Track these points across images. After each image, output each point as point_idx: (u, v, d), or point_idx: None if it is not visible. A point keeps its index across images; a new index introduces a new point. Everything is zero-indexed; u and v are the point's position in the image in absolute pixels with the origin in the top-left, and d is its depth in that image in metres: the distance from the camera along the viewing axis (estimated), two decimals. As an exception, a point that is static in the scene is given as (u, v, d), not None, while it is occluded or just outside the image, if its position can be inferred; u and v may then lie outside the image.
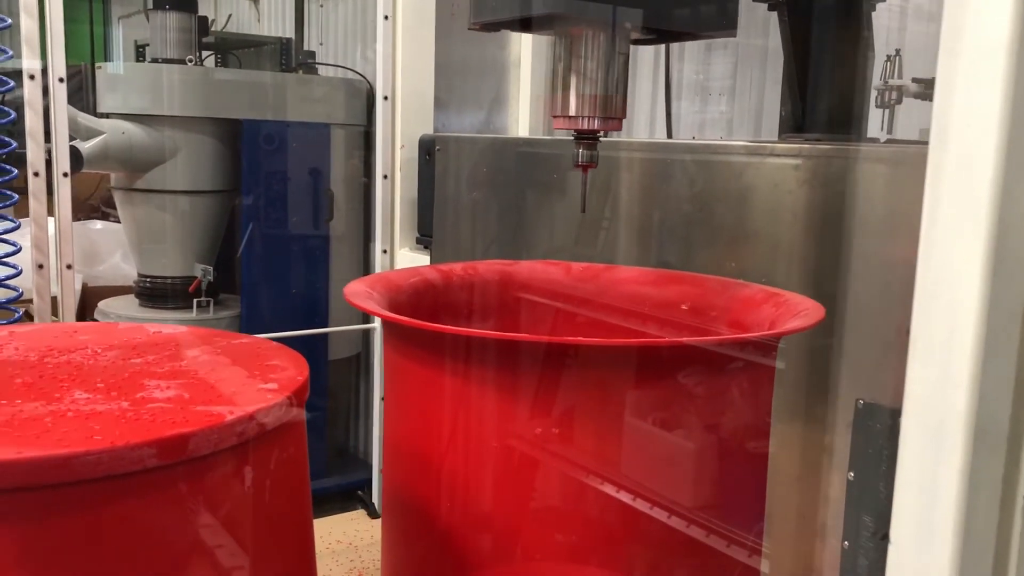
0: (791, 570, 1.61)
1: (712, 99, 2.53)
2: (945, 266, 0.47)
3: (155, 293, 3.81)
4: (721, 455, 1.25)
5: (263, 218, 3.72)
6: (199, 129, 3.67)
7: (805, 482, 1.58)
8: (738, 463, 1.30)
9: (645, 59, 2.72)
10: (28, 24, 2.01)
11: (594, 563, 1.09)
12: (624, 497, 1.12)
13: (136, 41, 4.92)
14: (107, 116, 3.64)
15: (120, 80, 3.67)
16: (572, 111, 1.29)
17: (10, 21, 1.98)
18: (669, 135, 2.58)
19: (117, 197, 3.75)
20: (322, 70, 4.08)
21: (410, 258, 2.54)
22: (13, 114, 2.01)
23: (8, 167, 2.02)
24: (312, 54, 4.18)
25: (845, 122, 1.66)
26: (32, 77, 2.03)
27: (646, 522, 1.10)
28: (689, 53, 2.57)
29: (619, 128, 1.46)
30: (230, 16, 5.17)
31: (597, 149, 1.38)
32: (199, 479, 0.70)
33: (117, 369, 0.85)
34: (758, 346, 1.19)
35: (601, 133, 1.35)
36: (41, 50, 2.04)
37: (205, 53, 4.10)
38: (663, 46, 2.60)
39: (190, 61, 3.75)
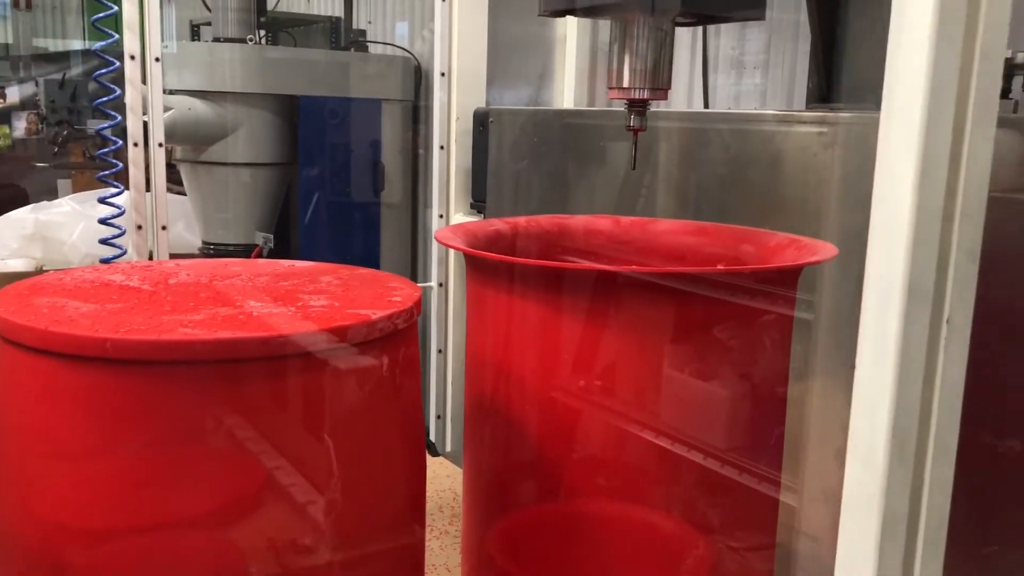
0: (810, 492, 1.81)
1: (747, 72, 2.71)
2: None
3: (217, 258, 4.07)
4: (751, 392, 1.45)
5: (319, 189, 3.95)
6: (259, 105, 3.89)
7: (821, 413, 1.79)
8: (763, 398, 1.49)
9: (683, 36, 2.90)
10: (129, 9, 2.25)
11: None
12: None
13: (191, 20, 5.15)
14: (173, 93, 3.88)
15: (186, 59, 3.91)
16: (625, 83, 1.56)
17: (116, 8, 2.21)
18: (706, 106, 2.77)
19: (183, 169, 3.99)
20: (371, 48, 4.29)
21: (465, 221, 2.76)
22: (118, 91, 2.25)
23: (114, 138, 2.27)
24: (363, 32, 4.39)
25: (866, 93, 1.84)
26: (132, 57, 2.26)
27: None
28: (725, 29, 2.74)
29: (665, 98, 1.70)
30: (281, -6, 5.38)
31: (646, 116, 1.65)
32: (353, 361, 0.93)
33: (273, 288, 1.07)
34: (781, 283, 1.39)
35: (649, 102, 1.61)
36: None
37: (259, 32, 4.32)
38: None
39: (250, 40, 3.97)
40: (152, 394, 0.87)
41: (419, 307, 1.05)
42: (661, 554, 1.43)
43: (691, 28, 2.83)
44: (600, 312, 1.22)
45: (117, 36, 2.23)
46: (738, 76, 2.82)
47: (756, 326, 1.33)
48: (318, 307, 0.98)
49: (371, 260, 4.15)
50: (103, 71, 2.25)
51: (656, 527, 1.42)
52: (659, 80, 1.58)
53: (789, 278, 1.36)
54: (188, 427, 0.87)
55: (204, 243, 4.09)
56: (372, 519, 1.00)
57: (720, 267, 1.48)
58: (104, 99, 2.26)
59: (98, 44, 2.26)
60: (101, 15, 2.24)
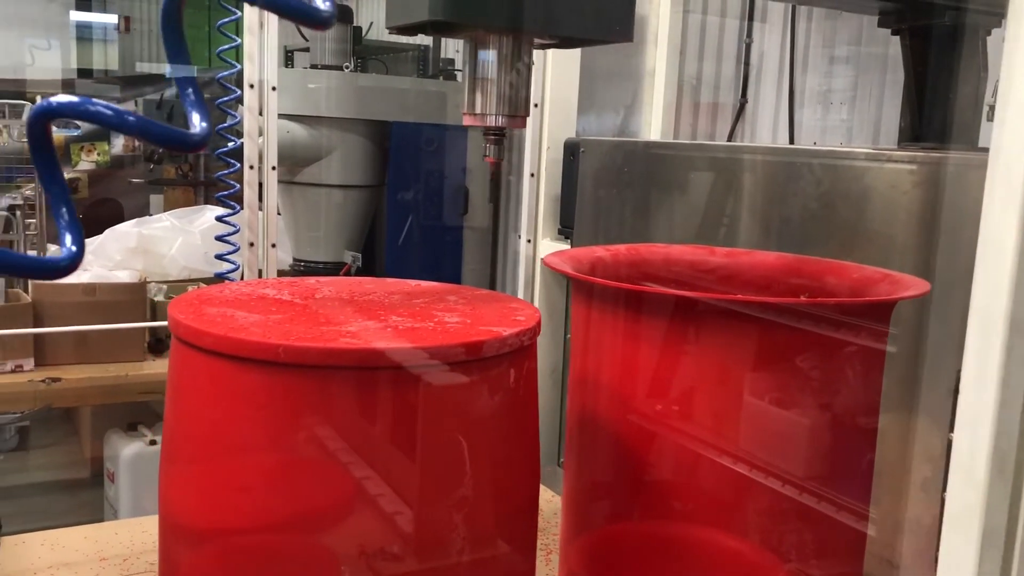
0: (896, 521, 1.85)
1: (833, 108, 2.77)
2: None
3: (309, 276, 4.25)
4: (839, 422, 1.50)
5: (406, 211, 4.11)
6: (352, 129, 4.06)
7: (909, 446, 1.83)
8: (851, 431, 1.54)
9: (770, 68, 2.97)
10: (249, 41, 2.41)
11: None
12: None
13: (285, 47, 5.39)
14: (271, 116, 4.08)
15: (282, 84, 4.12)
16: (478, 108, 1.39)
17: (239, 41, 2.38)
18: (791, 141, 2.83)
19: (278, 190, 4.19)
20: (459, 76, 4.45)
21: (551, 247, 2.86)
22: (239, 116, 2.42)
23: (232, 160, 2.43)
24: (451, 61, 4.55)
25: (959, 133, 1.89)
26: (252, 86, 2.43)
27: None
28: (812, 65, 2.81)
29: (523, 126, 1.51)
30: (371, 24, 5.60)
31: (504, 145, 1.47)
32: (486, 373, 1.04)
33: (407, 305, 1.19)
34: (874, 317, 1.45)
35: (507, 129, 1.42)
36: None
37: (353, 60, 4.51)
38: (788, 58, 2.85)
39: (347, 68, 4.16)
40: (314, 396, 0.98)
41: (540, 326, 1.15)
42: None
43: (778, 63, 2.91)
44: (711, 339, 1.31)
45: (239, 66, 2.39)
46: (824, 111, 2.87)
47: (854, 358, 1.39)
48: (453, 323, 1.09)
49: (453, 281, 4.28)
50: (225, 99, 2.42)
51: (739, 553, 1.48)
52: (518, 106, 1.40)
53: (883, 312, 1.42)
54: (345, 427, 0.98)
55: (295, 260, 4.27)
56: (497, 523, 1.10)
57: (849, 298, 1.53)
58: (226, 124, 2.42)
59: (220, 73, 2.43)
60: (226, 47, 2.42)
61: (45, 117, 0.55)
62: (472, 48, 1.37)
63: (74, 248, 0.56)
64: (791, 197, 2.20)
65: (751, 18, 3.03)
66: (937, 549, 0.96)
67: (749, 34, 3.00)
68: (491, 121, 1.39)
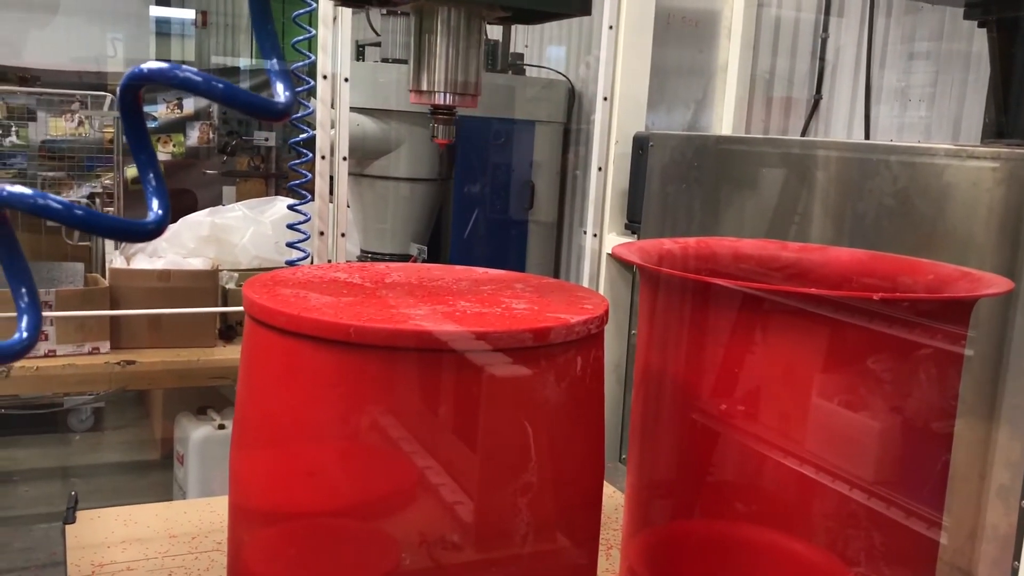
0: (970, 528, 1.80)
1: (911, 105, 2.69)
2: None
3: (378, 264, 4.30)
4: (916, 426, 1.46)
5: (472, 204, 4.12)
6: (420, 123, 4.09)
7: (986, 452, 1.77)
8: (924, 436, 1.50)
9: (846, 64, 2.91)
10: (323, 33, 2.45)
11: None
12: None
13: (357, 41, 5.45)
14: (341, 109, 4.14)
15: (353, 78, 4.17)
16: (424, 86, 1.28)
17: (313, 32, 2.42)
18: (867, 137, 2.76)
19: (347, 181, 4.24)
20: (528, 71, 4.45)
21: (617, 242, 2.84)
22: (312, 107, 2.45)
23: (305, 151, 2.47)
24: (520, 56, 4.55)
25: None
26: (325, 77, 2.46)
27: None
28: (891, 61, 2.74)
29: (474, 105, 1.39)
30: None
31: (454, 124, 1.36)
32: (552, 359, 1.04)
33: (475, 291, 1.19)
34: (951, 317, 1.40)
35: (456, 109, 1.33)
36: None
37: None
38: (866, 53, 2.78)
39: (417, 62, 4.17)
40: (382, 377, 1.00)
41: (607, 315, 1.14)
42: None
43: (855, 59, 2.84)
44: (780, 337, 1.29)
45: (313, 57, 2.43)
46: (902, 108, 2.80)
47: (929, 360, 1.35)
48: (520, 309, 1.09)
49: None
50: (298, 89, 2.46)
51: (804, 557, 1.45)
52: (468, 84, 1.30)
53: (962, 311, 1.38)
54: (411, 410, 0.99)
55: (362, 251, 4.32)
56: (560, 512, 1.10)
57: (926, 295, 1.49)
58: (299, 115, 2.46)
59: (295, 64, 2.47)
60: (299, 38, 2.45)
61: (137, 83, 0.57)
62: (418, 20, 1.28)
63: (160, 212, 0.57)
64: (866, 194, 2.15)
65: (827, 12, 2.96)
66: (1015, 558, 0.93)
67: (825, 28, 2.94)
68: (438, 99, 1.30)
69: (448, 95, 1.29)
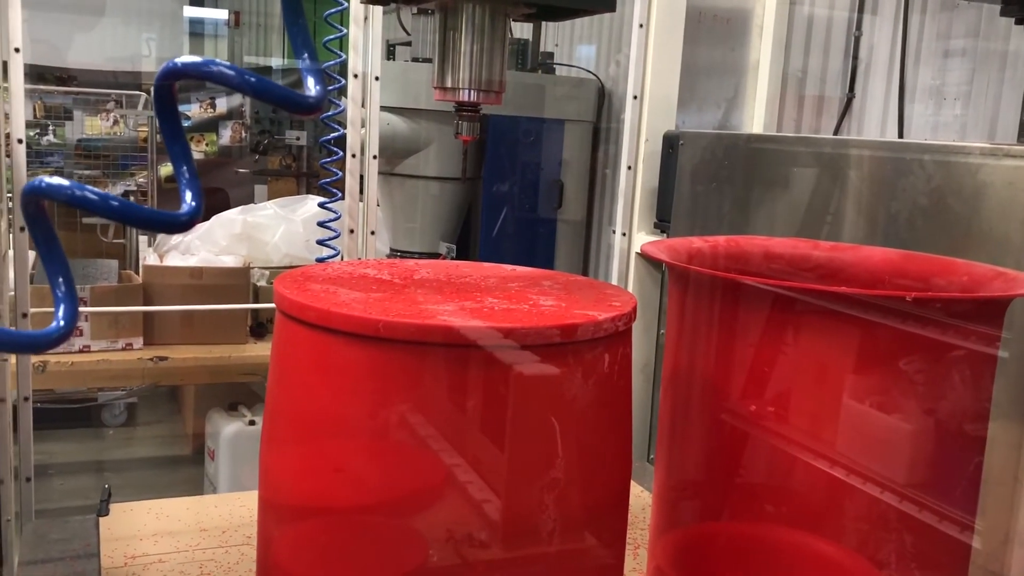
0: (1005, 532, 1.77)
1: (946, 103, 2.66)
2: None
3: (408, 261, 4.32)
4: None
5: (501, 203, 4.13)
6: (450, 122, 4.08)
7: (1021, 455, 1.74)
8: (957, 439, 1.47)
9: (880, 62, 2.87)
10: (355, 32, 2.46)
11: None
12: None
13: (388, 40, 5.48)
14: (372, 108, 4.16)
15: (387, 77, 4.19)
16: (449, 83, 1.29)
17: (345, 31, 2.43)
18: (900, 136, 2.73)
19: (377, 180, 4.27)
20: (558, 70, 4.44)
21: (647, 240, 2.83)
22: (343, 105, 2.47)
23: (335, 149, 2.49)
24: (550, 55, 4.55)
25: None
26: (356, 76, 2.48)
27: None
28: (925, 59, 2.70)
29: (498, 102, 1.37)
30: (472, 19, 5.63)
31: (478, 122, 1.36)
32: (580, 356, 1.03)
33: (503, 288, 1.19)
34: (985, 317, 1.38)
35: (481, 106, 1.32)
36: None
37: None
38: (900, 52, 2.75)
39: (447, 61, 4.19)
40: (410, 372, 1.00)
41: (635, 312, 1.14)
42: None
43: (889, 57, 2.81)
44: (811, 337, 1.27)
45: (344, 56, 2.45)
46: (936, 107, 2.76)
47: (962, 362, 1.33)
48: (548, 306, 1.09)
49: (546, 274, 4.28)
50: (331, 88, 2.47)
51: (833, 559, 1.44)
52: (492, 80, 1.29)
53: (996, 311, 1.36)
54: (439, 405, 0.99)
55: (392, 250, 4.34)
56: (586, 510, 1.10)
57: (960, 294, 1.47)
58: (330, 113, 2.48)
59: (327, 63, 2.49)
60: (331, 37, 2.47)
61: (173, 77, 0.58)
62: (442, 17, 1.29)
63: (193, 204, 0.58)
64: (899, 194, 2.12)
65: (861, 10, 2.93)
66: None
67: (859, 26, 2.91)
68: (463, 96, 1.30)
69: (472, 92, 1.29)
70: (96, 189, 0.57)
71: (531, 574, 1.04)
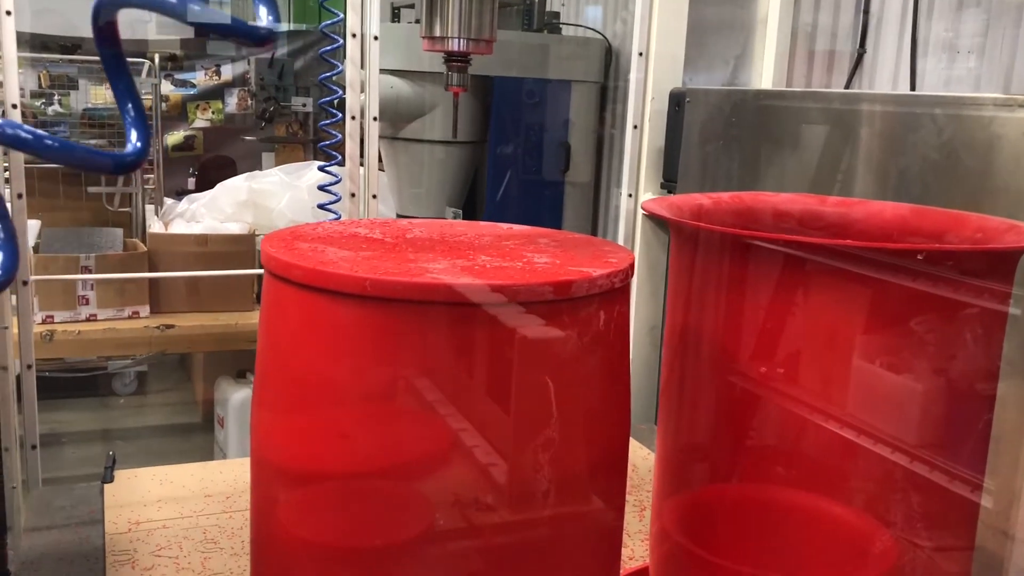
0: (1013, 491, 1.74)
1: (960, 57, 2.59)
2: None
3: (403, 220, 4.29)
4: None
5: (507, 167, 4.08)
6: (455, 85, 4.02)
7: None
8: (968, 398, 1.44)
9: (891, 16, 2.80)
10: (352, -9, 2.41)
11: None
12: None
13: (392, 3, 5.40)
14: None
15: (388, 40, 4.13)
16: (438, 31, 1.27)
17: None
18: (912, 90, 2.67)
19: (382, 145, 4.21)
20: (564, 30, 4.37)
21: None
22: (340, 66, 2.43)
23: (335, 111, 2.45)
24: (556, 15, 4.47)
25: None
26: (354, 35, 2.43)
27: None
28: (939, 11, 2.63)
29: (489, 51, 1.34)
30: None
31: (468, 72, 1.33)
32: (575, 313, 1.01)
33: (497, 247, 1.16)
34: (997, 272, 1.34)
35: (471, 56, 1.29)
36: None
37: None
38: (912, 4, 2.68)
39: (451, 22, 4.12)
40: (398, 330, 0.98)
41: (632, 269, 1.11)
42: (843, 545, 1.42)
43: (901, 10, 2.73)
44: (820, 297, 1.24)
45: (342, 15, 2.40)
46: (950, 61, 2.69)
47: (974, 320, 1.30)
48: (542, 263, 1.06)
49: (554, 238, 4.25)
50: (329, 48, 2.43)
51: (842, 520, 1.41)
52: (482, 28, 1.26)
53: (1007, 265, 1.32)
54: (428, 363, 0.97)
55: (398, 215, 4.31)
56: (584, 469, 1.08)
57: (971, 246, 1.43)
58: (328, 74, 2.44)
59: (325, 23, 2.44)
60: (329, -4, 2.42)
61: (109, 6, 0.54)
62: None
63: (139, 144, 0.55)
64: (910, 148, 2.07)
65: (873, -38, 2.85)
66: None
67: (870, -21, 2.83)
68: (452, 46, 1.28)
69: (462, 41, 1.26)
70: (33, 128, 0.54)
71: (525, 536, 1.02)
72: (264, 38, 0.59)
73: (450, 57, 1.30)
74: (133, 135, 0.55)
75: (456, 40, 1.26)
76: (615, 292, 1.05)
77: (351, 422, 1.01)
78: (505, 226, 1.32)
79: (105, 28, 0.54)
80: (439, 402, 0.96)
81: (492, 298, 0.92)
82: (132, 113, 0.56)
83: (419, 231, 1.24)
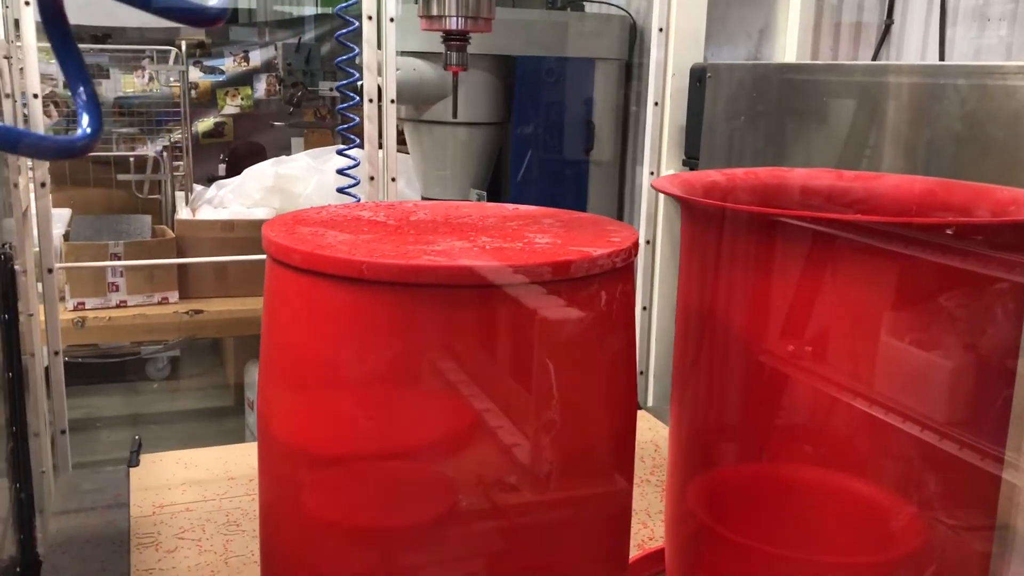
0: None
1: (990, 25, 2.52)
2: None
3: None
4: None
5: (531, 147, 4.05)
6: (478, 65, 4.01)
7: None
8: (997, 374, 1.41)
9: (919, -15, 2.73)
10: (367, -28, 2.40)
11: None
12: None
13: (416, -15, 5.36)
14: (398, 55, 4.09)
15: (410, 21, 4.11)
16: (435, 10, 1.23)
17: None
18: (941, 59, 2.60)
19: (405, 128, 4.21)
20: (587, 7, 4.32)
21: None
22: (357, 49, 2.42)
23: (352, 94, 2.44)
24: (579, -9, 4.42)
25: None
26: (370, 18, 2.42)
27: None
28: (968, -23, 2.56)
29: (488, 29, 1.31)
30: (500, -41, 5.49)
31: (467, 52, 1.25)
32: (575, 294, 0.99)
33: (500, 227, 1.15)
34: (1013, 246, 1.31)
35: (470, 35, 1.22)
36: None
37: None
38: (939, -29, 2.61)
39: (473, 3, 4.09)
40: (397, 314, 0.97)
41: (636, 248, 1.09)
42: (870, 523, 1.40)
43: (929, -24, 2.66)
44: (830, 269, 1.21)
45: (356, -2, 2.39)
46: (980, 29, 2.62)
47: (1006, 295, 1.26)
48: (543, 244, 1.05)
49: (579, 218, 4.22)
50: (344, 31, 2.43)
51: (867, 498, 1.39)
52: (480, 7, 1.23)
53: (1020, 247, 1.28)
54: (427, 346, 0.96)
55: (423, 198, 4.30)
56: (588, 449, 1.07)
57: (1000, 219, 1.39)
58: (344, 57, 2.43)
59: (340, 6, 2.44)
60: (344, -22, 2.41)
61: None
62: None
63: (89, 129, 0.55)
64: (937, 119, 2.02)
65: (900, -71, 2.78)
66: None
67: (897, -54, 2.76)
68: (450, 24, 1.25)
69: (459, 20, 1.23)
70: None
71: (529, 517, 1.02)
72: (215, 18, 0.58)
73: (448, 36, 1.27)
74: (85, 119, 0.55)
75: (454, 19, 1.23)
76: (617, 272, 1.04)
77: (352, 407, 1.01)
78: (511, 207, 1.31)
79: (49, 5, 0.54)
80: (440, 384, 0.95)
81: (489, 278, 0.92)
82: (84, 97, 0.55)
83: (423, 213, 1.24)
